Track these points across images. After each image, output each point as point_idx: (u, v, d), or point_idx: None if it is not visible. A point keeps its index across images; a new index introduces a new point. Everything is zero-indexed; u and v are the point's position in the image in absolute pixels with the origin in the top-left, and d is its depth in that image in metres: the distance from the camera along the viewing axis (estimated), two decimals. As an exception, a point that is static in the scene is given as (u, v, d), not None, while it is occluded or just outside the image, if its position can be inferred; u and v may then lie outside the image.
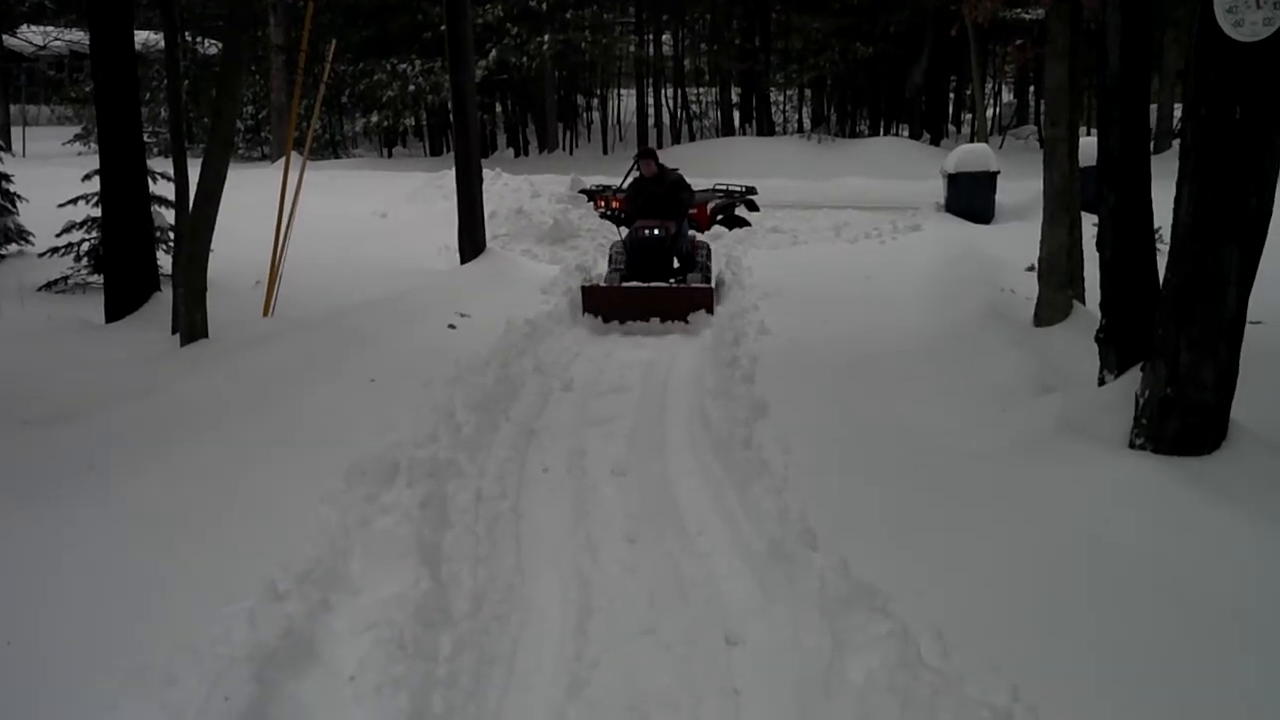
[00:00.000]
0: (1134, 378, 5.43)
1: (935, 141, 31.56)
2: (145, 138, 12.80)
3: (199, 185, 8.05)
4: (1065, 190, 8.36)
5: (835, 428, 6.37)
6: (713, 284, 10.78)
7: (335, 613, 4.04)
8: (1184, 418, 5.09)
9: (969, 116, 34.96)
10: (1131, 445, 5.26)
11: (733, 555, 4.90)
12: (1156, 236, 6.08)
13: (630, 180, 11.75)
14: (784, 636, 4.07)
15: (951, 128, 36.39)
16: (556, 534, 5.18)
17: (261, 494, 5.11)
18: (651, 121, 36.05)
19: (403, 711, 3.37)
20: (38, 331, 8.62)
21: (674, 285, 10.48)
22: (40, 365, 7.26)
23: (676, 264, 11.09)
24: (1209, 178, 4.91)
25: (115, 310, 9.46)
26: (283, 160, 10.61)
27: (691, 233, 11.82)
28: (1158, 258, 5.67)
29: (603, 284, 10.67)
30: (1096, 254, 6.12)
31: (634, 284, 10.40)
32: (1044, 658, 3.63)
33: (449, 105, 13.89)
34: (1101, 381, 6.00)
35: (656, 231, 10.80)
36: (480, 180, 13.36)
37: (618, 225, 12.41)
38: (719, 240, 14.60)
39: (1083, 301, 8.34)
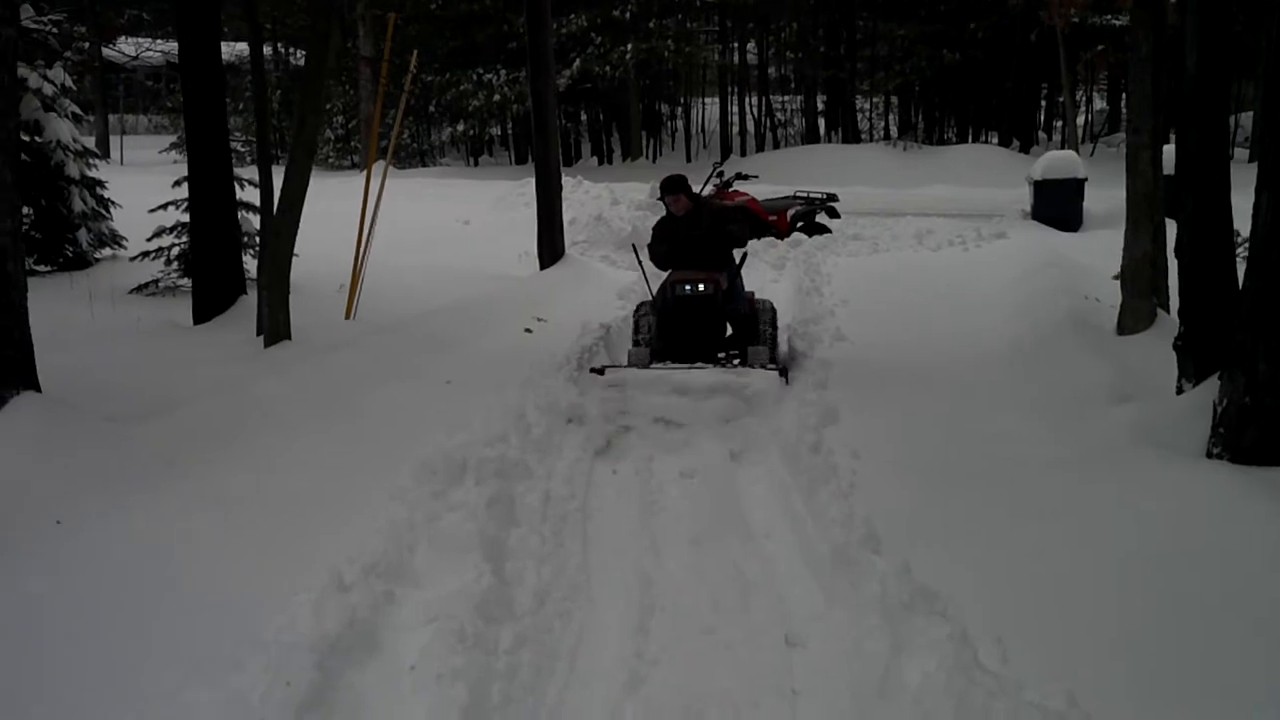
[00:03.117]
0: (1212, 386, 5.32)
1: (1025, 149, 31.10)
2: (235, 145, 13.14)
3: (283, 191, 8.24)
4: (1148, 197, 8.21)
5: (906, 433, 6.32)
6: (779, 360, 8.15)
7: (399, 605, 4.13)
8: (1262, 427, 4.97)
9: (1060, 124, 34.41)
10: (1209, 455, 5.16)
11: (796, 558, 4.92)
12: (1238, 243, 5.97)
13: (656, 221, 8.53)
14: (843, 639, 4.07)
15: (1042, 135, 35.87)
16: (622, 534, 5.23)
17: (333, 489, 5.22)
18: (736, 129, 36.07)
19: (460, 702, 3.43)
20: (127, 333, 8.88)
21: (728, 366, 7.70)
22: (128, 365, 7.47)
23: (729, 331, 8.31)
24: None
25: (203, 312, 9.71)
26: (378, 170, 10.81)
27: (749, 290, 8.65)
28: (1238, 265, 5.56)
29: (626, 362, 7.89)
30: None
31: (665, 367, 7.42)
32: (1104, 667, 3.57)
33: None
34: (1180, 390, 5.89)
35: (702, 287, 7.78)
36: (559, 188, 13.48)
37: (644, 269, 8.70)
38: (799, 247, 14.54)
39: (1167, 310, 8.17)
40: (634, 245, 9.01)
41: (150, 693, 3.38)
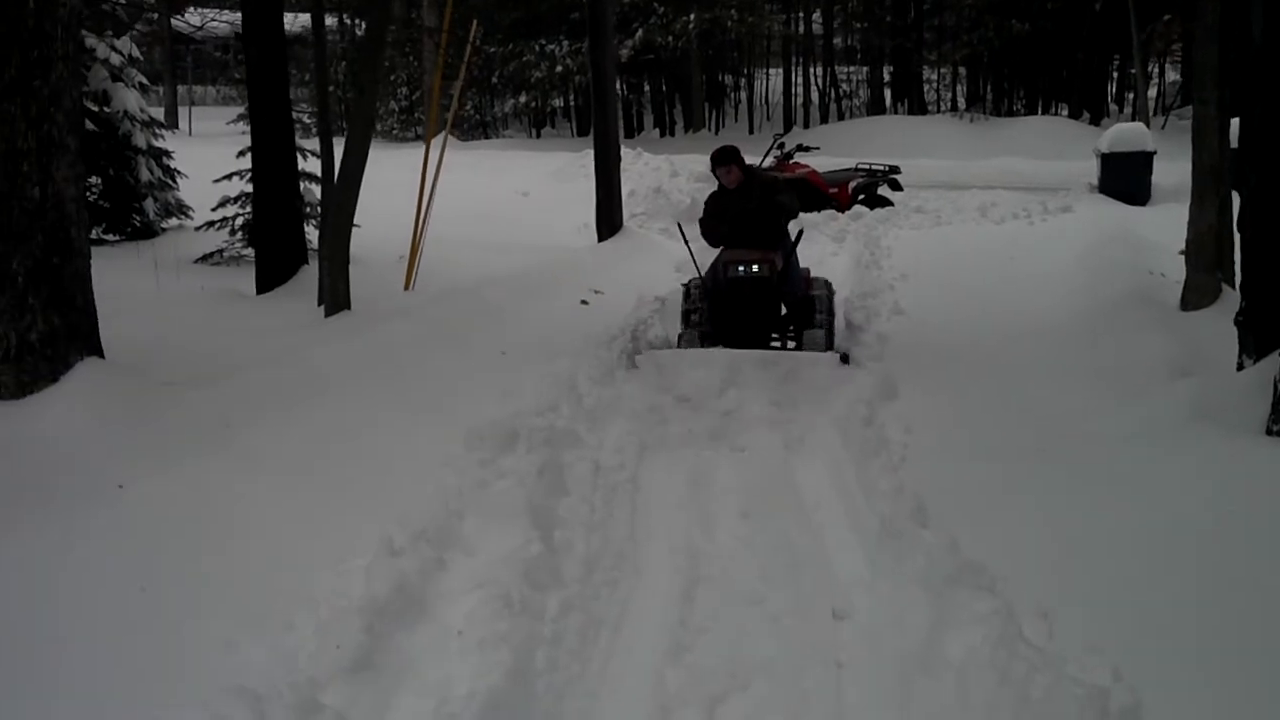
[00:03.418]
0: (1274, 363, 5.22)
1: (1095, 121, 30.49)
2: (299, 116, 13.27)
3: (342, 163, 8.32)
4: (1214, 170, 8.05)
5: (960, 408, 6.28)
6: (835, 340, 7.93)
7: (448, 571, 4.20)
8: (1325, 404, 4.88)
9: (1131, 96, 33.73)
10: (1269, 432, 5.05)
11: (845, 531, 4.92)
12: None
13: (708, 196, 8.17)
14: (889, 611, 4.08)
15: (1114, 107, 35.18)
16: (672, 505, 5.26)
17: (385, 455, 5.30)
18: (801, 100, 35.78)
19: (505, 665, 3.48)
20: (191, 301, 9.04)
21: (784, 349, 7.67)
22: (190, 332, 7.61)
23: (784, 312, 7.91)
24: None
25: (265, 282, 9.85)
26: (437, 141, 10.89)
27: (805, 267, 8.27)
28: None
29: (676, 345, 7.81)
30: (1243, 236, 5.90)
31: (718, 350, 7.18)
32: (1151, 643, 3.53)
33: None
34: (1240, 366, 5.78)
35: (756, 268, 7.42)
36: (618, 160, 13.49)
37: (690, 248, 8.09)
38: (860, 220, 14.42)
39: (1233, 285, 8.01)
40: (679, 224, 8.44)
41: (203, 645, 3.48)
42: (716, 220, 7.80)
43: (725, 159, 7.78)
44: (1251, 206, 5.78)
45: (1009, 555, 4.21)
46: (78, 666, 3.36)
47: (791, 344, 7.85)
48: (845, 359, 7.22)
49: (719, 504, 5.26)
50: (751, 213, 7.63)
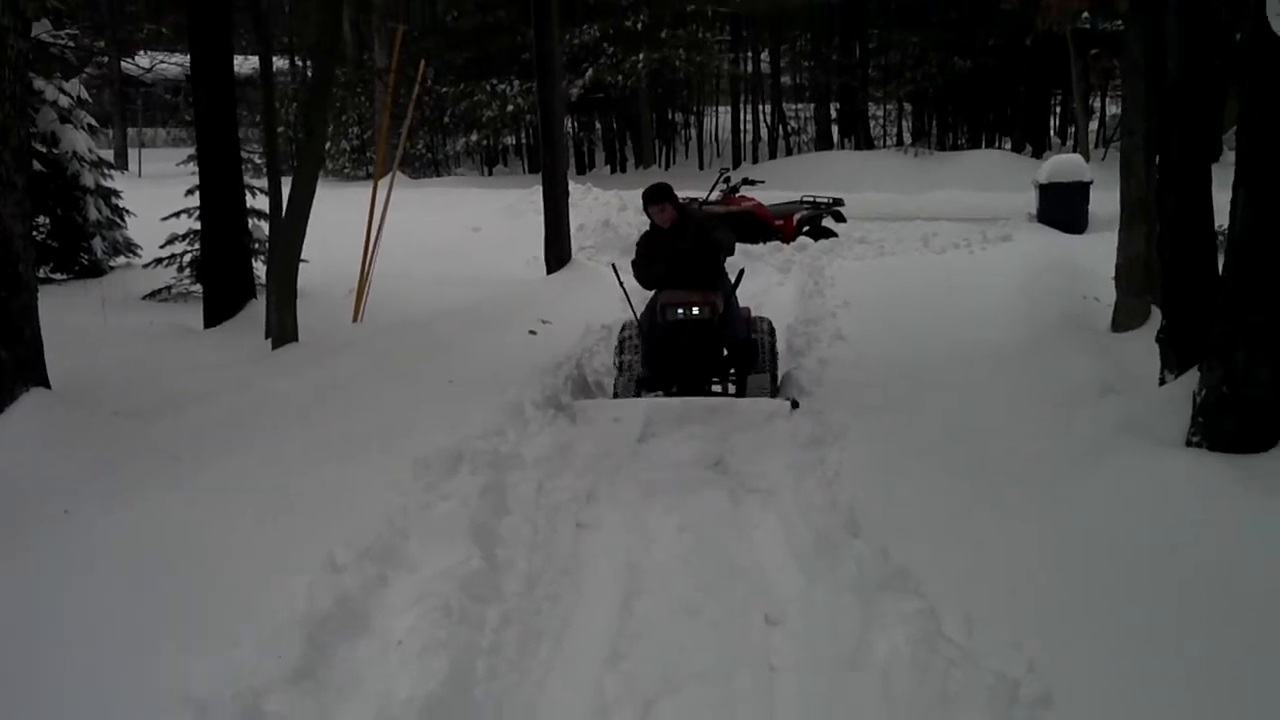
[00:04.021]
0: (1193, 378, 5.44)
1: (1037, 154, 31.08)
2: (251, 155, 13.35)
3: (290, 198, 8.44)
4: (1141, 200, 8.35)
5: (895, 427, 6.44)
6: (779, 381, 7.73)
7: (390, 586, 4.28)
8: (1240, 416, 5.08)
9: (1073, 129, 34.46)
10: (1189, 444, 5.26)
11: (781, 544, 5.04)
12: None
13: (640, 236, 7.76)
14: (820, 617, 4.21)
15: (1056, 140, 35.88)
16: (615, 523, 5.36)
17: (333, 482, 5.37)
18: (750, 137, 36.22)
19: (443, 673, 3.58)
20: (138, 336, 9.09)
21: (726, 394, 7.38)
22: (137, 366, 7.67)
23: (725, 354, 7.49)
24: (1263, 180, 4.95)
25: (213, 317, 9.91)
26: (386, 178, 11.02)
27: (745, 307, 7.88)
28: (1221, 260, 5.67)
29: (613, 393, 7.50)
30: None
31: (658, 399, 6.91)
32: (1067, 639, 3.69)
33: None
34: (1162, 381, 6.01)
35: (696, 310, 7.03)
36: (566, 194, 13.68)
37: (624, 289, 7.73)
38: (805, 251, 14.66)
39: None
40: (613, 265, 7.93)
41: (151, 663, 3.54)
42: (651, 261, 7.40)
43: (658, 197, 7.38)
44: (1170, 231, 6.04)
45: (935, 562, 4.36)
46: (26, 687, 3.41)
47: (734, 388, 7.56)
48: (794, 405, 6.70)
49: (661, 519, 5.36)
50: (687, 252, 7.23)
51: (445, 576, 4.29)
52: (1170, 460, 5.11)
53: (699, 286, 7.18)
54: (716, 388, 7.53)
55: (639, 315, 7.55)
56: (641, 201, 7.63)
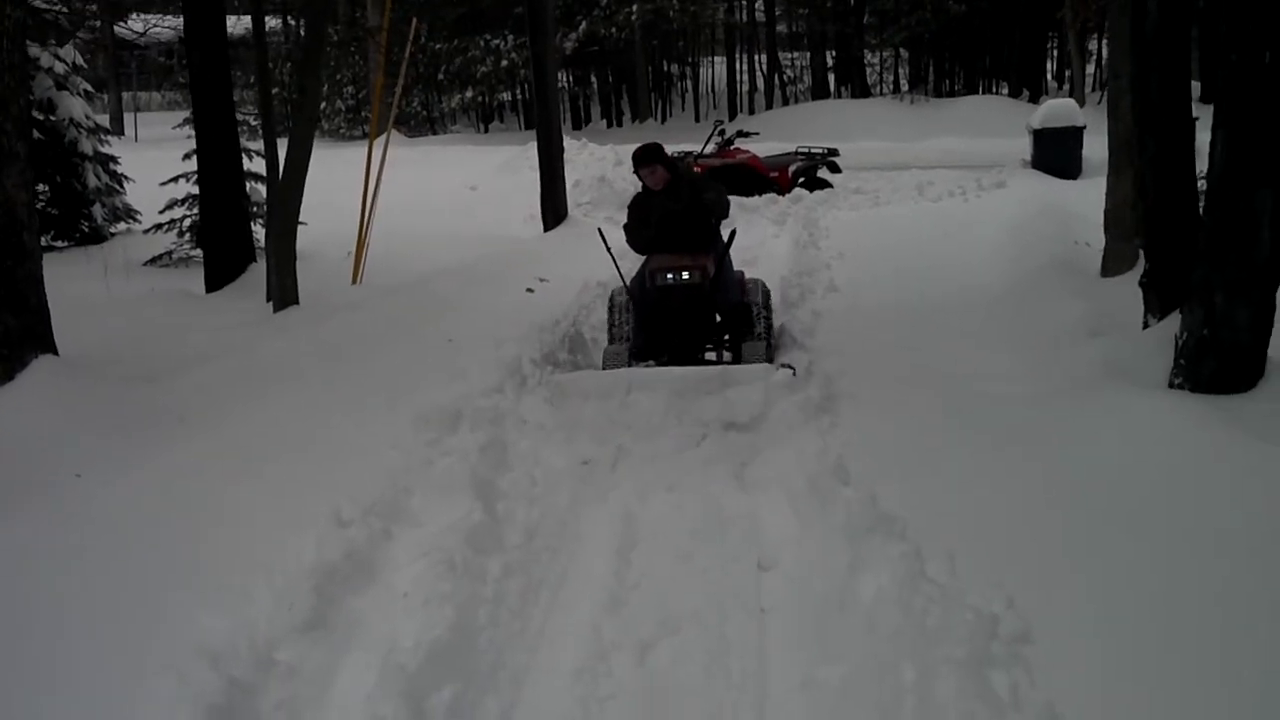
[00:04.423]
0: (1175, 321, 5.55)
1: (1034, 99, 30.98)
2: (247, 118, 13.43)
3: (286, 160, 8.52)
4: (1129, 142, 8.39)
5: (885, 375, 6.54)
6: (775, 345, 7.50)
7: (395, 540, 4.44)
8: (1220, 358, 5.20)
9: (1069, 73, 34.34)
10: (1170, 386, 5.39)
11: (774, 492, 5.18)
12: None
13: (631, 199, 7.53)
14: (810, 561, 4.36)
15: (1054, 84, 35.77)
16: (613, 475, 5.51)
17: (336, 440, 5.50)
18: (746, 87, 36.10)
19: (447, 622, 3.73)
20: (142, 302, 9.21)
21: (718, 363, 7.01)
22: (141, 331, 7.80)
23: (718, 319, 7.20)
24: (1241, 123, 5.02)
25: (214, 281, 10.04)
26: (380, 138, 11.09)
27: (739, 270, 7.65)
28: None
29: (601, 364, 7.09)
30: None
31: (649, 368, 6.68)
32: (1049, 577, 3.80)
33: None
34: (1145, 325, 6.13)
35: (686, 275, 6.80)
36: (561, 150, 13.73)
37: (612, 254, 7.41)
38: (800, 203, 14.72)
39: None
40: (600, 230, 7.57)
41: (168, 619, 3.68)
42: (642, 224, 7.16)
43: (648, 158, 7.10)
44: (1151, 174, 6.13)
45: (921, 505, 4.48)
46: (48, 646, 3.55)
47: (728, 355, 7.29)
48: (793, 372, 6.41)
49: (656, 470, 5.51)
50: (679, 214, 6.99)
51: (448, 530, 4.45)
52: (1152, 402, 5.24)
53: (690, 249, 6.94)
54: (711, 355, 7.27)
55: (629, 281, 7.29)
56: (632, 163, 7.34)
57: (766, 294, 7.64)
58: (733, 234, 7.18)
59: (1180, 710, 2.97)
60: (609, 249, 7.28)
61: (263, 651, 3.47)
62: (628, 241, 7.36)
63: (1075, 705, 2.99)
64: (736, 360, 6.93)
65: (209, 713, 3.12)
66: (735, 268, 7.48)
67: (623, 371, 6.47)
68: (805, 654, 3.77)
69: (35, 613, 3.73)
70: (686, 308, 6.84)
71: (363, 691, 3.39)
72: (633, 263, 7.57)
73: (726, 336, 7.29)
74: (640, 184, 7.36)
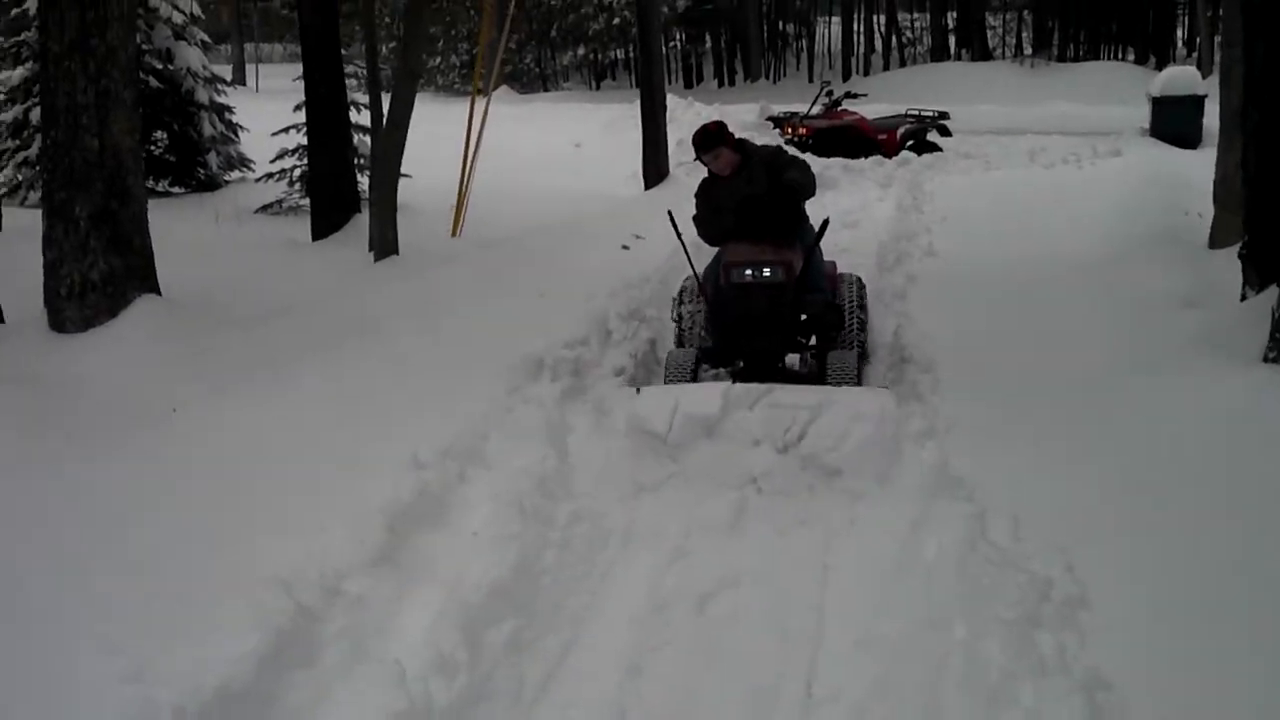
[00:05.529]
0: (1273, 294, 5.40)
1: (1160, 66, 30.05)
2: (357, 70, 13.68)
3: (388, 114, 8.70)
4: (1241, 111, 8.13)
5: (973, 341, 6.48)
6: (867, 350, 6.63)
7: (469, 483, 4.57)
8: (1316, 333, 5.05)
9: (1199, 39, 33.17)
10: (1266, 359, 5.25)
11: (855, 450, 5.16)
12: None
13: (699, 185, 6.50)
14: (877, 522, 4.37)
15: (1183, 51, 34.59)
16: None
17: (421, 388, 5.64)
18: (863, 49, 35.57)
19: (511, 562, 3.85)
20: (248, 248, 9.51)
21: (803, 367, 6.29)
22: (245, 277, 8.06)
23: (804, 318, 6.10)
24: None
25: (320, 230, 10.29)
26: (492, 94, 11.23)
27: (830, 260, 6.70)
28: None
29: (664, 369, 6.06)
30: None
31: (717, 378, 5.89)
32: (1111, 546, 3.77)
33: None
34: (1244, 297, 5.96)
35: (768, 271, 5.79)
36: (664, 109, 13.72)
37: (682, 240, 6.26)
38: (906, 166, 14.51)
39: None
40: (669, 213, 6.34)
41: (245, 549, 3.85)
42: (715, 212, 6.20)
43: (709, 143, 6.14)
44: (1254, 144, 5.94)
45: (993, 469, 4.48)
46: (130, 567, 3.75)
47: (813, 360, 6.31)
48: (867, 354, 5.78)
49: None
50: (758, 197, 6.01)
51: (521, 474, 4.56)
52: (1242, 375, 5.11)
53: (773, 239, 5.97)
54: (794, 357, 6.32)
55: (700, 273, 6.25)
56: (693, 149, 6.36)
57: (861, 291, 6.71)
58: (824, 224, 6.03)
59: (1223, 684, 2.93)
60: (679, 233, 6.23)
61: (332, 582, 3.61)
62: (700, 234, 6.36)
63: (1121, 670, 2.99)
64: (821, 372, 5.93)
65: (276, 634, 3.26)
66: (826, 258, 6.53)
67: (674, 393, 5.30)
68: (864, 611, 3.79)
69: (121, 539, 3.93)
70: (767, 309, 5.83)
71: (424, 623, 3.51)
72: (704, 254, 6.67)
73: (813, 341, 6.32)
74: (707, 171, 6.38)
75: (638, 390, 5.43)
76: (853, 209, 11.66)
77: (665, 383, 5.78)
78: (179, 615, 3.38)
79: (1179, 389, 5.14)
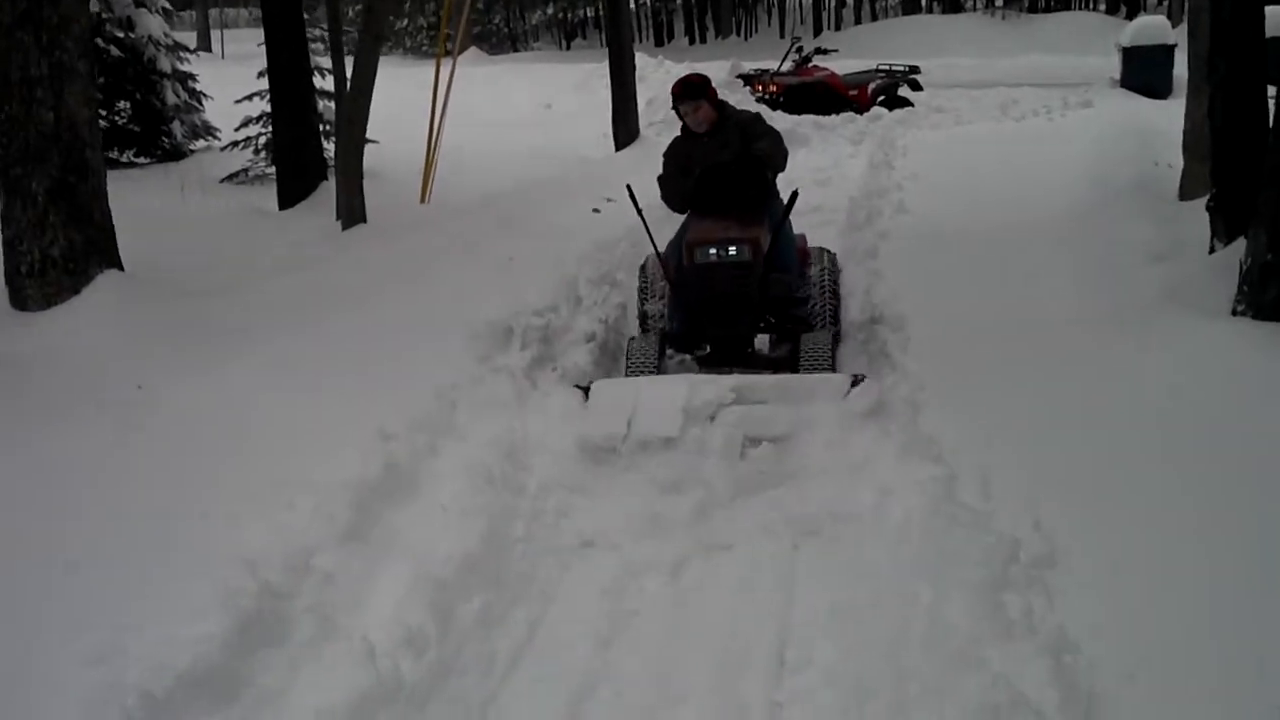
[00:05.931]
0: (1241, 246, 5.40)
1: (1130, 16, 30.00)
2: (321, 34, 13.54)
3: (352, 79, 8.59)
4: (1208, 61, 8.11)
5: (944, 298, 6.47)
6: (841, 332, 6.23)
7: (438, 455, 4.54)
8: (1284, 284, 5.05)
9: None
10: (1234, 312, 5.25)
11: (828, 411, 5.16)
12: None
13: (670, 143, 6.22)
14: (847, 486, 4.37)
15: (1154, 1, 34.53)
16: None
17: (390, 357, 5.59)
18: (834, 2, 35.37)
19: (481, 533, 3.83)
20: (214, 219, 9.42)
21: (772, 350, 6.10)
22: (211, 247, 7.99)
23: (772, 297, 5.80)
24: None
25: (286, 198, 10.20)
26: (460, 56, 11.11)
27: (800, 234, 6.35)
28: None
29: (625, 355, 5.82)
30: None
31: (683, 365, 5.87)
32: (1080, 503, 3.75)
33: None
34: (1212, 250, 5.97)
35: (734, 250, 5.49)
36: (633, 68, 13.62)
37: (643, 216, 6.03)
38: (878, 121, 14.46)
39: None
40: (628, 186, 6.07)
41: (211, 526, 3.83)
42: (682, 174, 5.92)
43: (691, 93, 5.87)
44: (1221, 95, 5.93)
45: (962, 429, 4.47)
46: (95, 548, 3.71)
47: (781, 344, 6.12)
48: (857, 381, 5.11)
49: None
50: (724, 165, 5.72)
51: (491, 445, 4.53)
52: (1211, 328, 5.11)
53: (738, 213, 5.67)
54: (762, 337, 6.10)
55: (662, 250, 5.99)
56: (672, 99, 6.04)
57: (834, 266, 6.36)
58: (793, 196, 5.78)
59: (1190, 642, 2.93)
60: (638, 208, 5.95)
61: (299, 559, 3.59)
62: (662, 196, 6.09)
63: (1087, 629, 2.99)
64: (794, 356, 5.63)
65: (240, 615, 3.24)
66: (797, 228, 6.23)
67: (630, 396, 4.96)
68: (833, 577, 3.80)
69: (89, 517, 3.89)
70: (733, 290, 5.53)
71: (394, 599, 3.49)
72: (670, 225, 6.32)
73: (783, 322, 6.03)
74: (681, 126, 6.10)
75: (586, 394, 5.08)
76: (824, 166, 11.63)
77: (626, 374, 5.54)
78: (145, 595, 3.35)
79: (1147, 343, 5.13)
